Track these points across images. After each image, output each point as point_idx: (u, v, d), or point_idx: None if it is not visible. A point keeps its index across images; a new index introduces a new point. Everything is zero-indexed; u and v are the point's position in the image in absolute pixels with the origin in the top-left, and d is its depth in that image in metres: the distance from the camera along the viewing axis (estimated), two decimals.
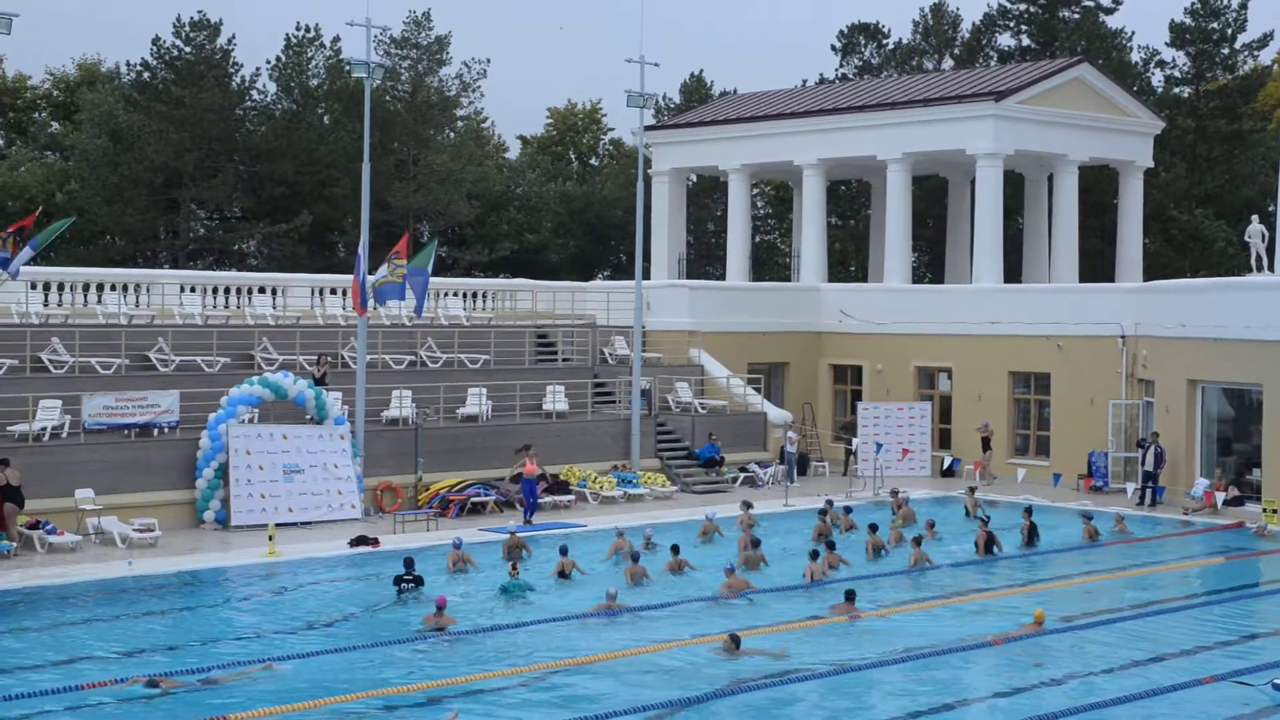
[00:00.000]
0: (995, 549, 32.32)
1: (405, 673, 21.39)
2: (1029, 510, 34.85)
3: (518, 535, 31.46)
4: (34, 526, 31.08)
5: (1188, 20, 74.64)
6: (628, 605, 25.95)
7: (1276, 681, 20.88)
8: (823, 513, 35.13)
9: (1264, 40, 73.97)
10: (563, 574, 28.77)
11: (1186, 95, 74.94)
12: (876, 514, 37.00)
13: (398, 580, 27.44)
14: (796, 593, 27.94)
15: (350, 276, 39.34)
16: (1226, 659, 22.80)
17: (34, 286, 39.85)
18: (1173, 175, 70.04)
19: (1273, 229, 46.32)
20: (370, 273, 37.87)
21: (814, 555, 29.59)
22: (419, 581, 27.39)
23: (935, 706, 20.00)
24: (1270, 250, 45.91)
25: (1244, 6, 73.95)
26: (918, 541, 31.44)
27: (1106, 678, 21.50)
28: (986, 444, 45.09)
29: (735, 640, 22.15)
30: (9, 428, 33.24)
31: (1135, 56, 75.98)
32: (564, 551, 29.45)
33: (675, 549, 30.22)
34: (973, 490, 39.68)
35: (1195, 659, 22.88)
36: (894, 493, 38.87)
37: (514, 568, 27.94)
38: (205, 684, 20.09)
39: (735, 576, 28.00)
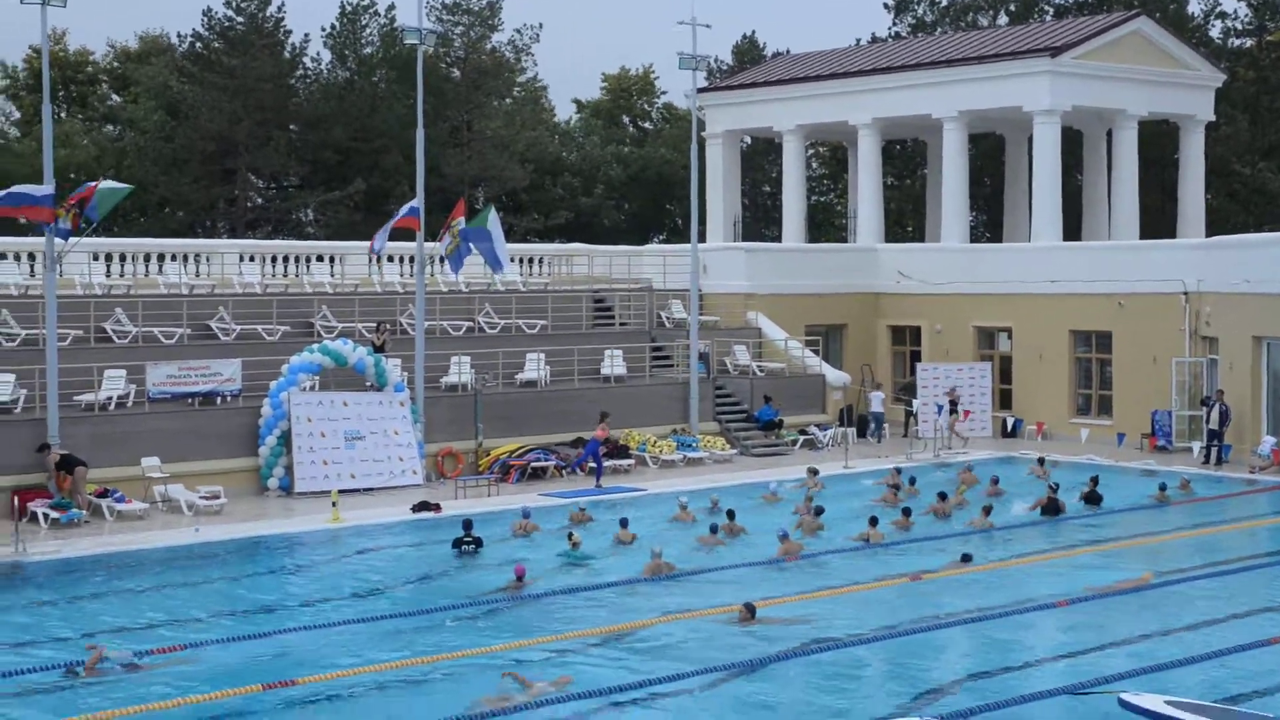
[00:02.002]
0: (1059, 510, 32.27)
1: (468, 637, 21.65)
2: (1094, 480, 34.46)
3: (584, 509, 31.70)
4: (102, 495, 31.51)
5: None
6: (678, 569, 26.06)
7: None
8: (891, 483, 35.04)
9: None
10: (620, 542, 28.93)
11: (1248, 47, 74.21)
12: (938, 474, 37.10)
13: (457, 542, 27.73)
14: (858, 555, 28.04)
15: (408, 244, 39.48)
16: None
17: (96, 258, 40.28)
18: (1235, 129, 69.33)
19: None
20: (430, 239, 38.21)
21: (873, 522, 29.57)
22: (478, 543, 27.68)
23: (1000, 668, 20.07)
24: None
25: None
26: (987, 511, 31.17)
27: (1170, 639, 21.49)
28: (954, 407, 44.95)
29: (751, 609, 22.11)
30: (75, 397, 33.59)
31: (1195, 8, 75.12)
32: (624, 524, 29.53)
33: (731, 514, 30.22)
34: (1041, 461, 39.17)
35: (1261, 618, 22.79)
36: (966, 467, 38.69)
37: (573, 540, 27.75)
38: (128, 669, 19.41)
39: (791, 541, 28.10)
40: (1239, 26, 74.96)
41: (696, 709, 18.23)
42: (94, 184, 32.06)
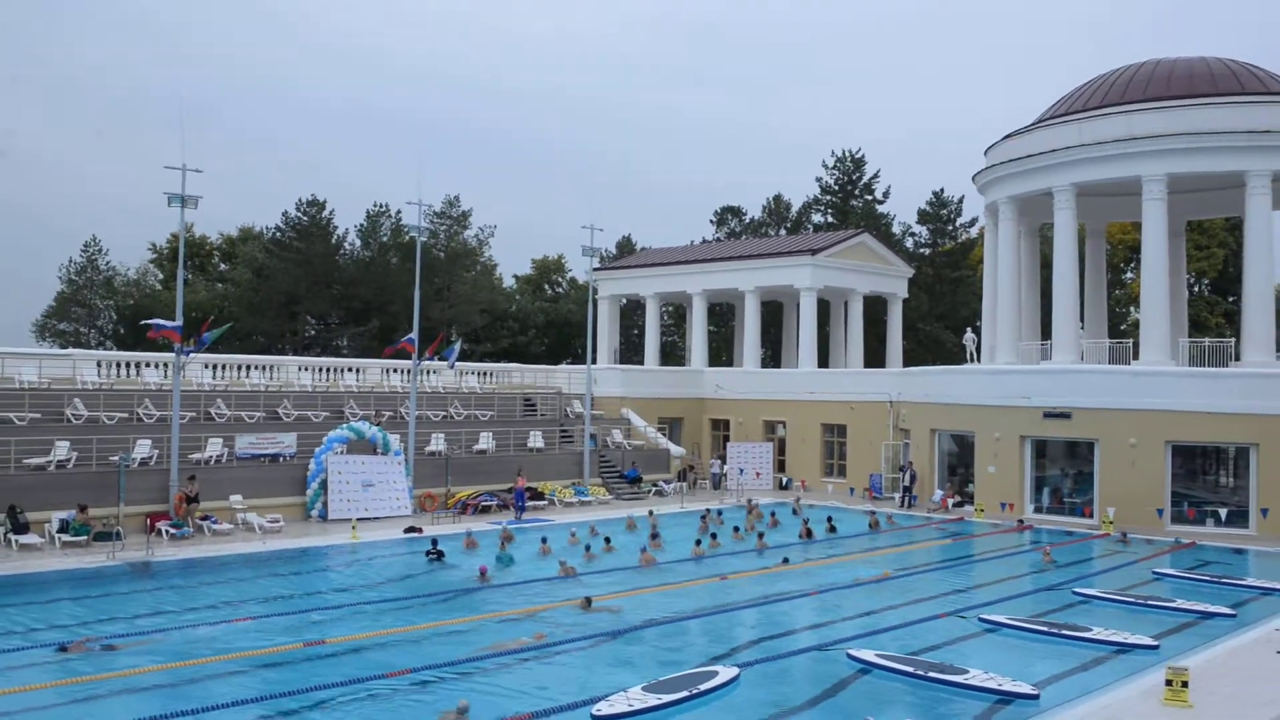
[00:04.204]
0: (811, 536, 32.64)
1: (435, 614, 21.37)
2: (830, 518, 34.97)
3: (509, 529, 31.38)
4: (204, 519, 30.79)
5: (928, 208, 76.80)
6: (577, 571, 26.01)
7: (981, 616, 21.30)
8: (704, 516, 35.23)
9: (972, 222, 76.39)
10: (544, 554, 28.68)
11: (927, 253, 76.79)
12: (738, 513, 37.34)
13: (427, 554, 27.53)
14: (687, 564, 28.09)
15: (406, 362, 39.32)
16: (952, 602, 23.14)
17: (206, 366, 39.62)
18: (920, 303, 71.61)
19: (980, 336, 47.39)
20: (420, 357, 38.16)
21: (698, 543, 29.66)
22: (441, 554, 27.40)
23: (771, 634, 20.20)
24: (978, 349, 46.96)
25: (960, 201, 76.32)
26: (760, 535, 31.57)
27: (881, 615, 21.72)
28: (692, 468, 45.52)
29: (588, 600, 21.81)
30: (190, 455, 32.84)
31: (896, 229, 77.84)
32: (544, 540, 29.41)
33: (607, 539, 30.15)
34: (798, 500, 40.00)
35: (935, 602, 23.18)
36: (749, 500, 39.14)
37: (503, 546, 28.07)
38: (106, 649, 17.74)
39: (647, 554, 28.08)
40: (923, 241, 77.67)
41: (600, 654, 18.14)
42: (208, 321, 31.83)
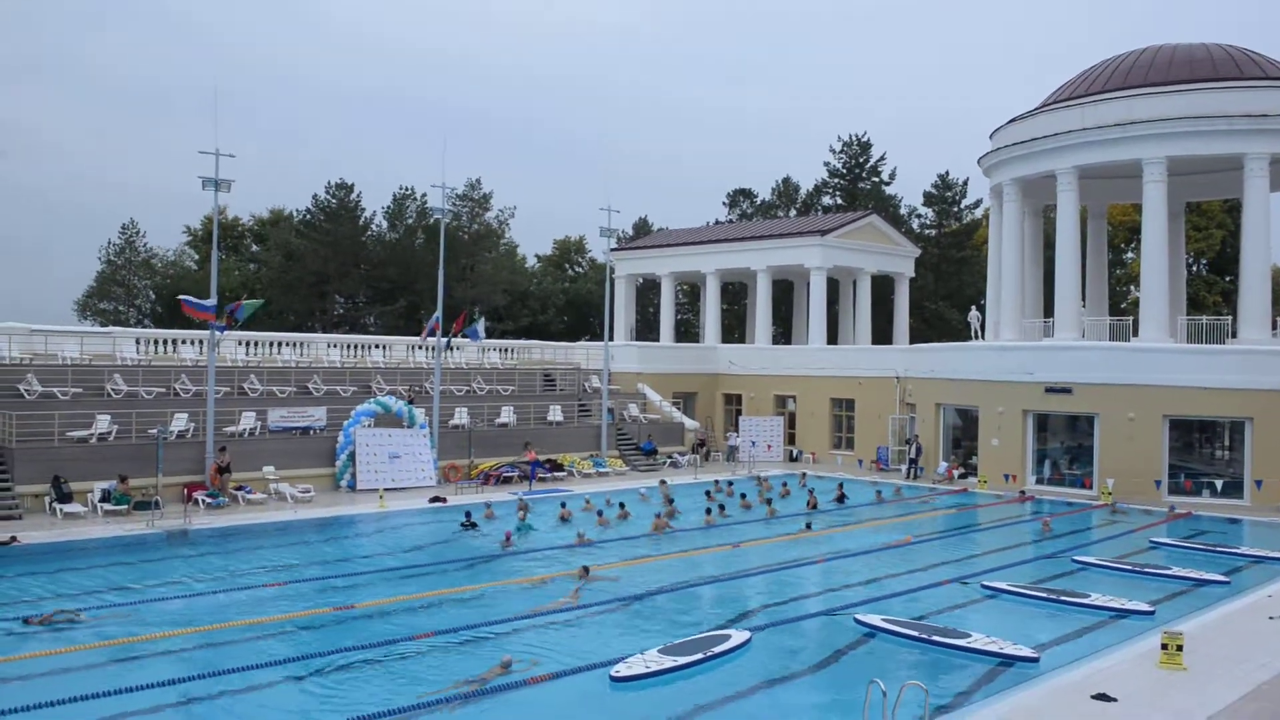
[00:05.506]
0: (817, 507, 32.55)
1: (467, 578, 21.44)
2: (841, 485, 34.98)
3: (525, 500, 31.43)
4: (239, 489, 30.99)
5: (933, 190, 76.20)
6: (593, 539, 26.10)
7: (983, 583, 21.26)
8: (708, 492, 35.16)
9: (977, 203, 75.67)
10: (563, 519, 28.84)
11: (933, 234, 76.26)
12: (748, 484, 37.32)
13: (461, 524, 27.57)
14: (698, 532, 28.12)
15: (430, 338, 39.36)
16: (955, 569, 23.08)
17: (240, 343, 39.76)
18: (925, 282, 71.15)
19: (984, 314, 47.09)
20: (445, 334, 38.16)
21: (708, 511, 29.68)
22: (473, 525, 27.47)
23: (781, 600, 20.20)
24: (983, 327, 46.67)
25: (965, 183, 75.63)
26: (769, 502, 31.54)
27: (887, 581, 21.66)
28: (703, 444, 45.33)
29: (586, 569, 21.64)
30: (226, 429, 32.99)
31: (903, 210, 77.29)
32: (563, 505, 29.58)
33: (622, 505, 30.24)
34: (804, 475, 39.80)
35: (939, 569, 23.11)
36: (759, 477, 39.06)
37: (522, 517, 28.22)
38: (69, 621, 17.06)
39: (660, 518, 28.11)
40: (928, 222, 77.12)
41: (619, 618, 18.19)
42: (240, 301, 31.88)
